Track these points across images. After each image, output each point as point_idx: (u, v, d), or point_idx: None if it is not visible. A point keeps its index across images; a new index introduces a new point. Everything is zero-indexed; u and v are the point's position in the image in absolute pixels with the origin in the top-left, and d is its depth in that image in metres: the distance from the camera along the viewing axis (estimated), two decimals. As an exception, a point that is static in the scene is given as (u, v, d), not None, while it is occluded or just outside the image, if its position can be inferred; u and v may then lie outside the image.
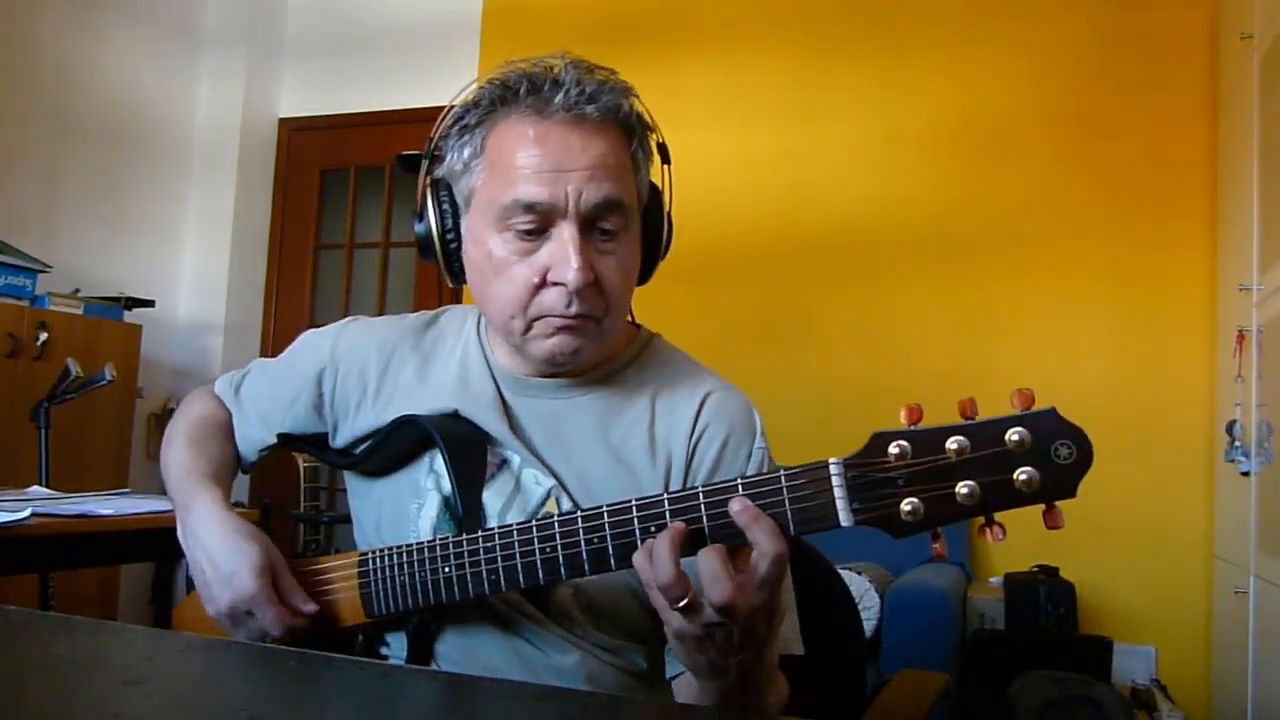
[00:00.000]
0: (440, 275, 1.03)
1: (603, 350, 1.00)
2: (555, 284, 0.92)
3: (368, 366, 1.08)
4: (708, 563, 0.73)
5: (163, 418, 4.03)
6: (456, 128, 0.96)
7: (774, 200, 3.66)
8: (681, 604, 0.72)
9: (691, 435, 0.99)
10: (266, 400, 1.13)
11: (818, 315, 3.57)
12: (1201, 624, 3.05)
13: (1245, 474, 2.60)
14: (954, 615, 2.71)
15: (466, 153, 0.95)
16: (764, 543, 0.73)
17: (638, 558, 0.76)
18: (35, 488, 2.17)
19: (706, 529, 0.77)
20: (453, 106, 0.98)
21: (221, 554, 0.95)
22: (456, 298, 1.29)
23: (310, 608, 0.95)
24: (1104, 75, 3.33)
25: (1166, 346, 3.19)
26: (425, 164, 1.00)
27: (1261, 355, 2.53)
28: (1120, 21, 3.33)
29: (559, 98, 0.90)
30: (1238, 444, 2.65)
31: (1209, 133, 3.18)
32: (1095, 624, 3.07)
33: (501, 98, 0.93)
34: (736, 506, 0.74)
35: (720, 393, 1.02)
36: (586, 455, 0.99)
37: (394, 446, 1.03)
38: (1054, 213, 3.34)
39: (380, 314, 1.18)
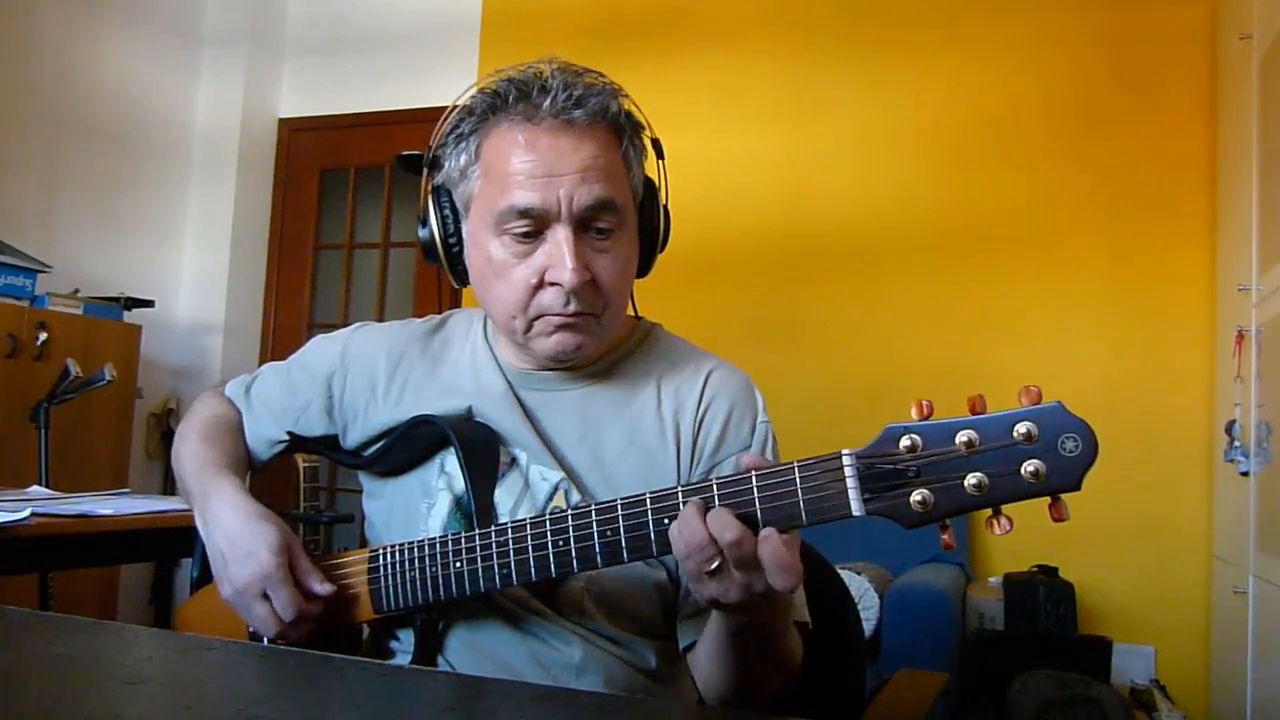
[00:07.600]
0: (440, 276, 1.07)
1: (605, 343, 1.04)
2: (552, 284, 0.95)
3: (377, 369, 1.11)
4: (718, 516, 0.75)
5: (163, 418, 4.03)
6: (453, 135, 1.00)
7: (773, 200, 3.66)
8: (713, 566, 0.75)
9: (697, 411, 1.03)
10: (278, 400, 1.16)
11: (816, 315, 3.57)
12: (1201, 624, 3.05)
13: (1244, 474, 2.60)
14: (953, 615, 2.71)
15: (462, 160, 0.99)
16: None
17: (671, 531, 0.78)
18: (35, 488, 2.17)
19: None
20: (454, 108, 1.01)
21: (241, 534, 0.97)
22: (456, 298, 1.30)
23: (325, 588, 0.96)
24: (1104, 75, 3.32)
25: (1166, 346, 3.19)
26: (426, 170, 1.04)
27: (1261, 355, 2.52)
28: (1120, 21, 3.33)
29: (547, 104, 0.94)
30: (1237, 444, 2.65)
31: (1209, 133, 3.18)
32: (1094, 624, 3.07)
33: (493, 106, 0.97)
34: (748, 460, 0.78)
35: (722, 370, 1.06)
36: (600, 440, 1.02)
37: (407, 447, 1.05)
38: (1053, 212, 3.34)
39: (380, 314, 1.20)
